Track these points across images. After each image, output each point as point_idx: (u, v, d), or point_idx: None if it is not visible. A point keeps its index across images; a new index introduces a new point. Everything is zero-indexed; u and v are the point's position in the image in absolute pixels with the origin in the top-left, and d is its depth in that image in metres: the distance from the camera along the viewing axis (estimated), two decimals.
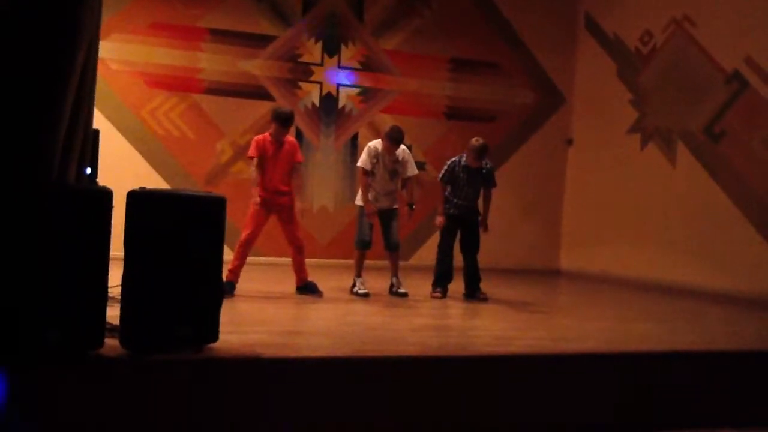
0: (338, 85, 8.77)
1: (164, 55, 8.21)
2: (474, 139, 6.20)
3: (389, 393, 3.54)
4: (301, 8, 8.76)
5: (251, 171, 5.72)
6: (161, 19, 8.19)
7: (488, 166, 6.28)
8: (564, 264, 9.66)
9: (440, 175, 6.32)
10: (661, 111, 8.54)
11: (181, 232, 3.30)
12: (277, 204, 5.72)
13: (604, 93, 9.26)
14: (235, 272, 5.59)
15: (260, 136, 5.83)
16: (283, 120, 5.71)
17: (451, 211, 6.23)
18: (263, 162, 5.71)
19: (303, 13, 8.76)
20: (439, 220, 6.25)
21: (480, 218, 6.29)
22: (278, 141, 5.75)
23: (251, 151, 5.75)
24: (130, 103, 8.13)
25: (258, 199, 5.62)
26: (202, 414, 3.26)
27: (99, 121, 5.10)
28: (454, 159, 6.29)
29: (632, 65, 8.91)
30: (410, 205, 6.21)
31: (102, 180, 4.33)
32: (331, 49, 8.86)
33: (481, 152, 6.11)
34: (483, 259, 6.34)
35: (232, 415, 3.28)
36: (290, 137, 5.94)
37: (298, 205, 5.78)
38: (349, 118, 8.95)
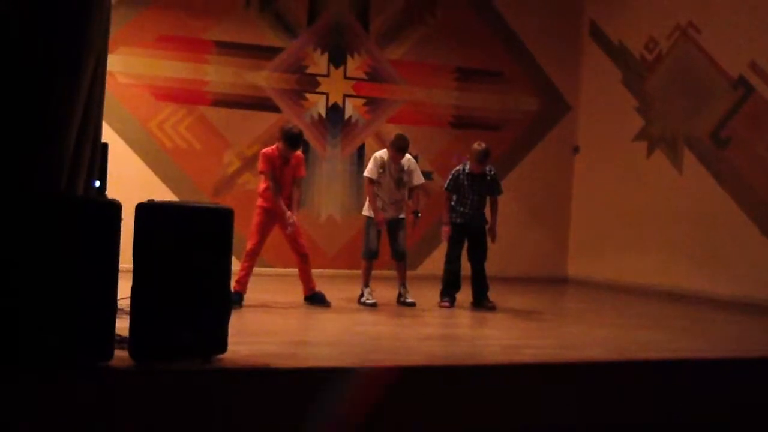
0: None
1: (171, 68, 8.27)
2: (476, 144, 6.22)
3: (397, 402, 3.54)
4: (307, 19, 8.81)
5: (270, 185, 5.70)
6: (168, 32, 8.26)
7: (492, 172, 6.30)
8: (571, 271, 9.64)
9: (445, 185, 6.34)
10: (666, 118, 8.54)
11: (190, 244, 3.32)
12: (279, 216, 5.74)
13: (609, 100, 9.26)
14: (243, 283, 5.61)
15: (268, 150, 5.85)
16: (291, 141, 5.73)
17: (458, 220, 6.24)
18: (273, 176, 5.74)
19: (308, 24, 8.81)
20: (445, 230, 6.26)
21: (488, 227, 6.30)
22: (285, 157, 5.78)
23: (263, 166, 5.77)
24: (137, 116, 8.19)
25: (289, 213, 5.67)
26: (211, 424, 3.27)
27: (107, 134, 5.14)
28: (457, 168, 6.31)
29: (637, 72, 8.92)
30: (416, 213, 6.22)
31: (110, 192, 4.37)
32: (337, 60, 8.91)
33: (482, 156, 6.12)
34: (490, 267, 6.34)
35: (241, 426, 3.29)
36: (298, 152, 5.95)
37: (293, 215, 5.76)
38: (355, 129, 8.99)
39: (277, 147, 5.81)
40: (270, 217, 5.75)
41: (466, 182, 6.21)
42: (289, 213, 5.69)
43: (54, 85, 3.26)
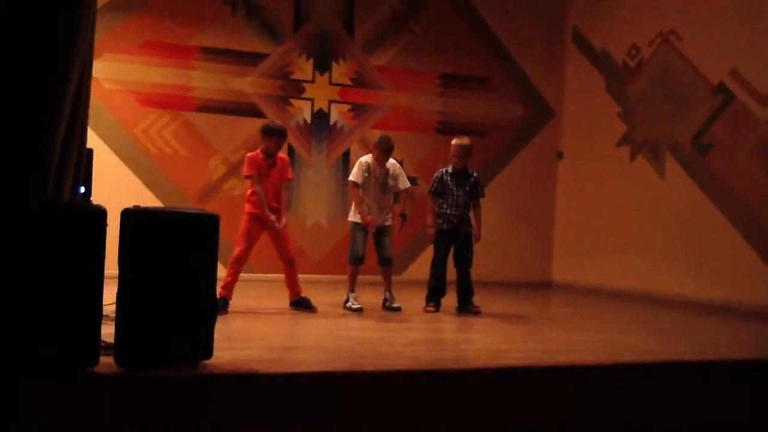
0: None
1: (156, 74, 8.26)
2: (456, 138, 6.30)
3: (383, 407, 3.56)
4: (293, 26, 8.84)
5: (256, 189, 5.71)
6: (153, 38, 8.25)
7: (474, 174, 6.35)
8: (556, 276, 9.71)
9: (429, 188, 6.37)
10: (649, 124, 8.64)
11: (176, 250, 3.32)
12: (265, 220, 5.74)
13: (592, 106, 9.36)
14: (229, 289, 5.60)
15: (252, 154, 5.86)
16: (273, 133, 5.74)
17: (444, 226, 6.26)
18: (259, 180, 5.75)
19: (294, 30, 8.83)
20: (430, 231, 6.29)
21: (473, 231, 6.33)
22: (271, 157, 5.79)
23: (248, 170, 5.76)
24: (122, 122, 8.17)
25: (274, 220, 5.67)
26: (197, 430, 3.26)
27: (92, 140, 5.13)
28: (440, 170, 6.36)
29: (620, 79, 9.01)
30: (403, 216, 6.24)
31: (95, 198, 4.36)
32: (323, 66, 8.93)
33: (465, 149, 6.16)
34: (475, 272, 6.37)
35: (227, 431, 3.29)
36: (282, 154, 5.98)
37: (283, 220, 5.80)
38: (340, 134, 9.01)
39: (261, 150, 5.82)
40: (258, 223, 5.75)
41: (450, 182, 6.25)
42: (273, 218, 5.69)
43: (40, 91, 3.25)
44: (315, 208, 8.86)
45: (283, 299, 6.03)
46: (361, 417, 3.51)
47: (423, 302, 6.29)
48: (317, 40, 8.91)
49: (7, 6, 3.20)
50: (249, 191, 5.83)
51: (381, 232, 6.20)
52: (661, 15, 8.47)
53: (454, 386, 3.73)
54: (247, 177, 5.84)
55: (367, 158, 6.25)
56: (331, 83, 8.95)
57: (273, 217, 5.69)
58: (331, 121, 8.96)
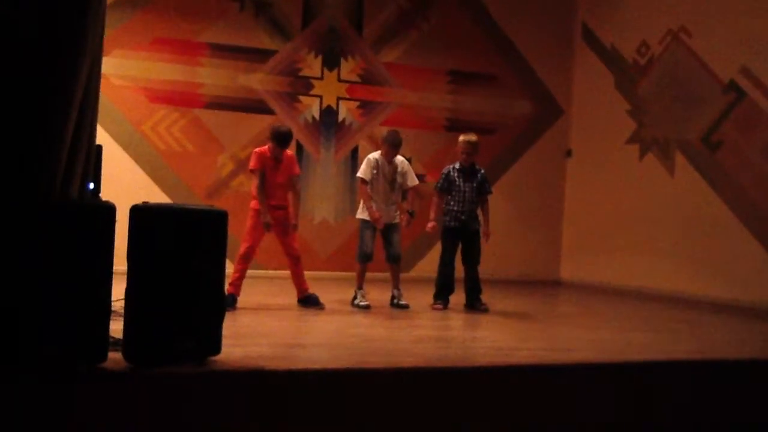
0: None
1: (165, 71, 8.28)
2: (463, 135, 6.31)
3: (390, 404, 3.56)
4: (301, 22, 8.84)
5: (257, 184, 5.72)
6: (162, 34, 8.26)
7: (482, 171, 6.35)
8: (564, 274, 9.68)
9: (436, 185, 6.36)
10: (658, 121, 8.59)
11: (184, 246, 3.33)
12: (274, 218, 5.75)
13: (602, 104, 9.31)
14: (236, 285, 5.62)
15: (260, 149, 5.88)
16: (280, 139, 5.75)
17: (452, 224, 6.26)
18: (263, 176, 5.75)
19: (303, 27, 8.83)
20: (431, 225, 6.27)
21: (482, 229, 6.32)
22: (276, 158, 5.80)
23: (254, 164, 5.78)
24: (131, 118, 8.19)
25: (270, 219, 5.65)
26: (204, 427, 3.27)
27: (101, 136, 5.14)
28: (447, 167, 6.35)
29: (630, 76, 8.97)
30: (411, 213, 6.23)
31: (104, 195, 4.37)
32: (331, 63, 8.93)
33: (472, 145, 6.16)
34: (483, 270, 6.37)
35: (234, 428, 3.30)
36: (288, 150, 5.99)
37: (293, 220, 5.80)
38: (349, 131, 9.01)
39: (268, 147, 5.83)
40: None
41: (458, 179, 6.25)
42: (269, 217, 5.68)
43: (49, 88, 3.26)
44: (323, 205, 8.86)
45: (290, 296, 6.04)
46: (368, 414, 3.51)
47: (431, 300, 6.29)
48: (326, 37, 8.90)
49: (14, 2, 3.21)
50: (253, 187, 5.84)
51: (389, 230, 6.20)
52: (671, 12, 8.43)
53: (461, 384, 3.72)
54: (250, 171, 5.86)
55: (375, 155, 6.25)
56: (339, 80, 8.95)
57: (269, 216, 5.67)
58: (340, 118, 8.96)
